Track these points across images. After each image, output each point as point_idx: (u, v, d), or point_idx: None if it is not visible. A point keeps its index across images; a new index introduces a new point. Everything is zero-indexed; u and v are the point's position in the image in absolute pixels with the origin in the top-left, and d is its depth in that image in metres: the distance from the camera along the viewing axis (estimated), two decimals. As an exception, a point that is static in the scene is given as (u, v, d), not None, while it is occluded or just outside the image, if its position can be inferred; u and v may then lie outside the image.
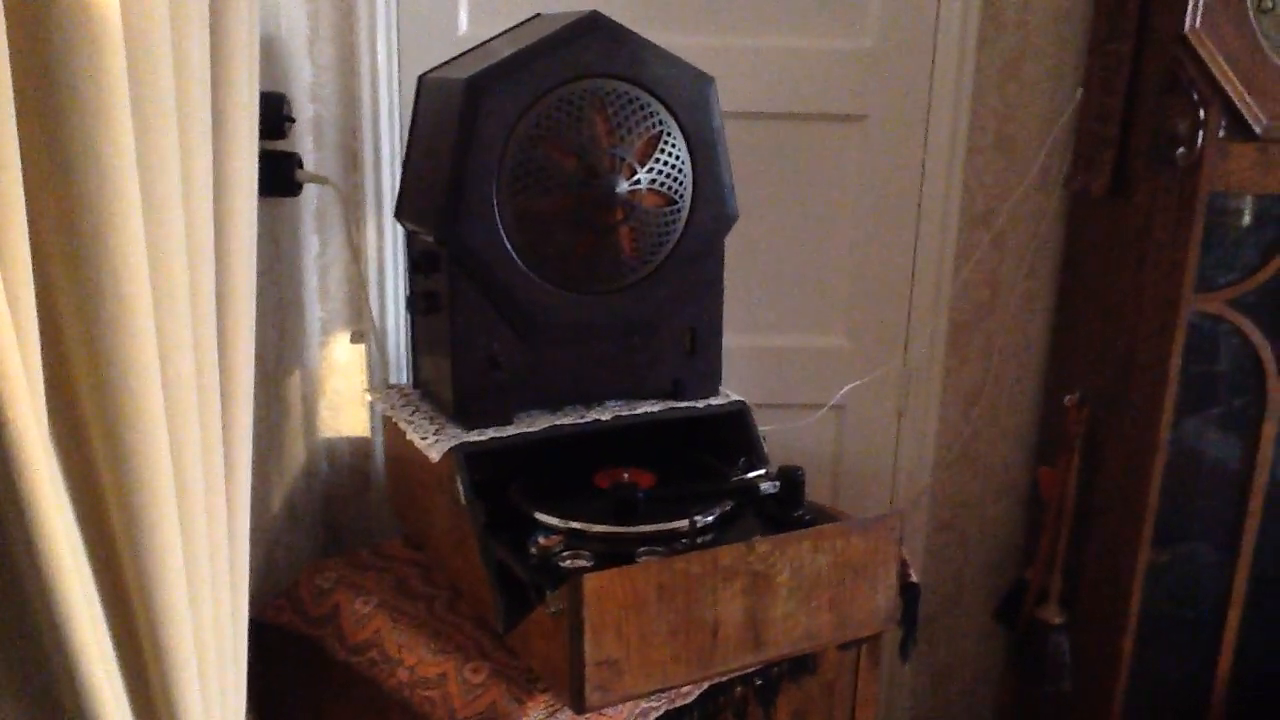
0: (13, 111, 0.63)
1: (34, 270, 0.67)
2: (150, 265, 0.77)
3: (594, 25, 1.56)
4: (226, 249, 0.92)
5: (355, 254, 2.06)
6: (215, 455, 0.91)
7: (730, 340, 1.80)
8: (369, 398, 2.11)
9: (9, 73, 0.62)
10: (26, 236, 0.66)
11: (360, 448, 2.20)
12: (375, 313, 2.08)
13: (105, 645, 0.78)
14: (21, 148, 0.66)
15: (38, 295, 0.69)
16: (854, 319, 2.26)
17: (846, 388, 2.23)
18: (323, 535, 2.20)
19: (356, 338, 2.11)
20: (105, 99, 0.70)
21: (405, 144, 1.87)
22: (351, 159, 2.05)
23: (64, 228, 0.71)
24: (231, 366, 0.96)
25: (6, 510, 0.68)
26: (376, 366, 2.12)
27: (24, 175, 0.66)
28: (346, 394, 2.15)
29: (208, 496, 0.89)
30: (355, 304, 2.11)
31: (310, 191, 2.01)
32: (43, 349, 0.71)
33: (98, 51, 0.69)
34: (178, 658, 0.82)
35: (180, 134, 0.81)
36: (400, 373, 2.14)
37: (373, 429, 2.17)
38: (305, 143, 2.00)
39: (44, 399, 0.71)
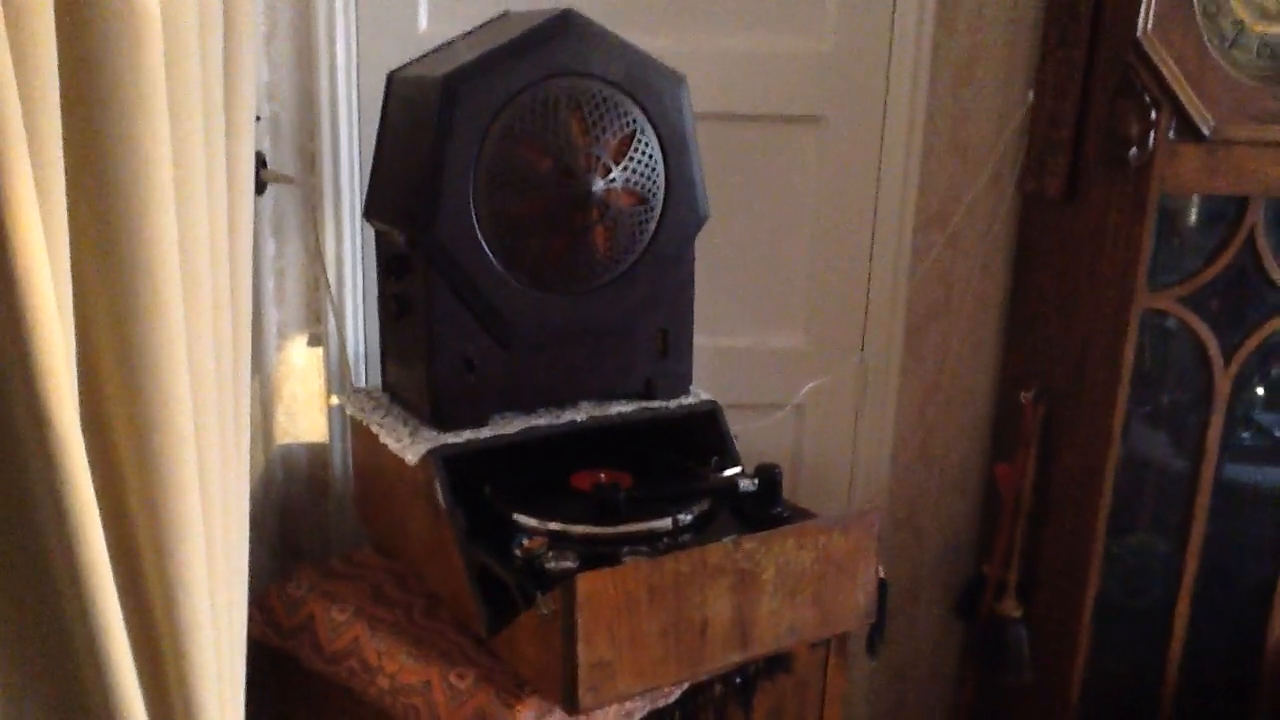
0: (58, 100, 0.61)
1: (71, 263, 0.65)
2: (180, 260, 0.74)
3: (567, 24, 1.56)
4: (233, 246, 0.90)
5: (315, 256, 2.02)
6: (232, 458, 0.89)
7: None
8: (335, 401, 2.07)
9: (55, 62, 0.60)
10: (67, 229, 0.63)
11: (318, 455, 2.15)
12: (334, 316, 2.04)
13: (129, 652, 0.75)
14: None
15: (73, 290, 0.66)
16: (811, 319, 2.28)
17: (806, 388, 2.25)
18: (279, 546, 2.15)
19: (314, 341, 2.07)
20: (144, 87, 0.67)
21: (369, 143, 1.84)
22: (309, 159, 2.01)
23: (100, 220, 0.68)
24: (237, 368, 0.93)
25: (46, 513, 0.65)
26: (336, 371, 2.08)
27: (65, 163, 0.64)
28: (304, 400, 2.11)
29: (224, 499, 0.86)
30: (312, 307, 2.07)
31: (266, 193, 1.96)
32: (76, 346, 0.68)
33: (139, 42, 0.66)
34: (199, 663, 0.79)
35: (204, 128, 0.78)
36: (360, 377, 2.10)
37: (331, 434, 2.13)
38: (262, 143, 1.96)
39: (77, 400, 0.68)
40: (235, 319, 0.91)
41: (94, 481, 0.68)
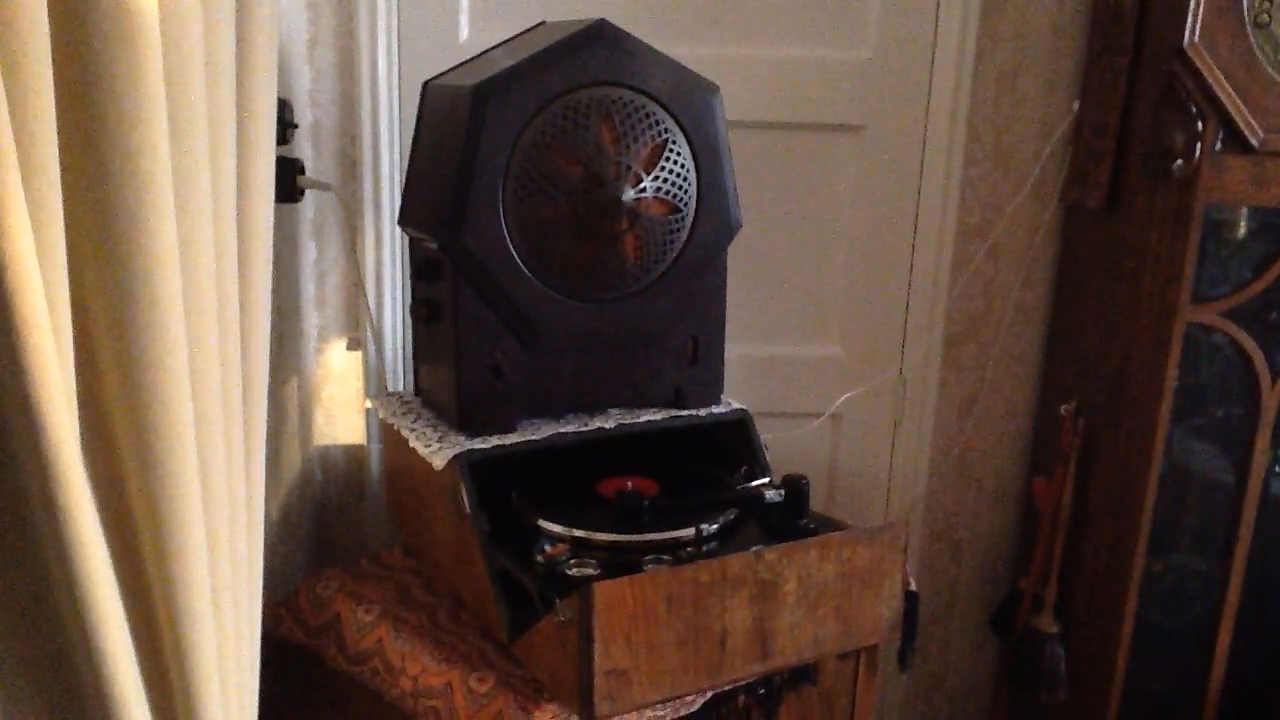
0: (54, 113, 0.62)
1: (68, 274, 0.66)
2: (182, 271, 0.76)
3: (600, 34, 1.56)
4: (247, 255, 0.91)
5: (354, 261, 2.05)
6: (238, 464, 0.90)
7: (726, 349, 1.80)
8: (369, 405, 2.10)
9: (50, 73, 0.61)
10: (64, 240, 0.65)
11: (355, 456, 2.18)
12: (373, 320, 2.07)
13: (131, 654, 0.77)
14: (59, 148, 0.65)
15: (70, 300, 0.68)
16: (850, 328, 2.26)
17: (843, 397, 2.23)
18: (314, 545, 2.18)
19: (353, 344, 2.10)
20: (143, 100, 0.69)
21: (406, 151, 1.86)
22: (350, 166, 2.04)
23: (98, 231, 0.70)
24: (250, 374, 0.95)
25: (40, 517, 0.67)
26: (374, 374, 2.10)
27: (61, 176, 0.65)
28: (342, 402, 2.14)
29: (230, 505, 0.88)
30: (352, 311, 2.10)
31: (308, 198, 2.00)
32: (74, 356, 0.70)
33: (135, 52, 0.68)
34: (201, 666, 0.81)
35: (210, 137, 0.80)
36: (398, 380, 2.13)
37: (368, 437, 2.15)
38: (304, 149, 1.99)
39: (76, 406, 0.70)
40: (248, 328, 0.93)
41: (96, 490, 0.69)
